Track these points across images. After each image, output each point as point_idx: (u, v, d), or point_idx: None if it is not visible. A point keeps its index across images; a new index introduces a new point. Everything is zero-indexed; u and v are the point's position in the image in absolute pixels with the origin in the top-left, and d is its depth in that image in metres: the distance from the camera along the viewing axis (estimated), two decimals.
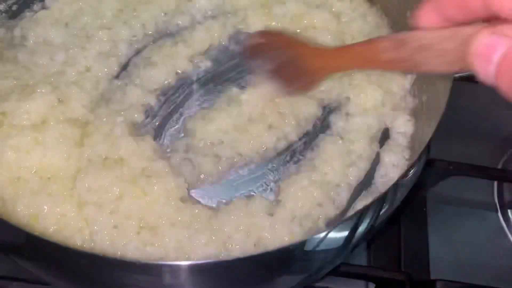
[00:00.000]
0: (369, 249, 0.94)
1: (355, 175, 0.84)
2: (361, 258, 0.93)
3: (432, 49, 0.57)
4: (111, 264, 0.58)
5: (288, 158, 0.88)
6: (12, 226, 0.60)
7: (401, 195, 0.75)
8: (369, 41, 0.69)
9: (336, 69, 0.80)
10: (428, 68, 0.59)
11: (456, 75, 0.77)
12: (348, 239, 0.68)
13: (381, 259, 0.93)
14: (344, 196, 0.82)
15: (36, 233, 0.58)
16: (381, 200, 0.70)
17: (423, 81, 0.89)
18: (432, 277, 0.91)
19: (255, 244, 0.75)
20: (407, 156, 0.87)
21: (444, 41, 0.55)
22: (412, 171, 0.73)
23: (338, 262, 0.78)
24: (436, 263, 0.93)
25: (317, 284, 0.90)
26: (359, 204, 0.83)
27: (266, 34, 0.88)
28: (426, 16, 0.56)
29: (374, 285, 0.90)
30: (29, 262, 0.69)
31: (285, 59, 0.80)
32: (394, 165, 0.86)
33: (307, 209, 0.78)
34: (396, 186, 0.71)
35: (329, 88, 0.92)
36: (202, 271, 0.60)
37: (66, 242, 0.71)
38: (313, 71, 0.79)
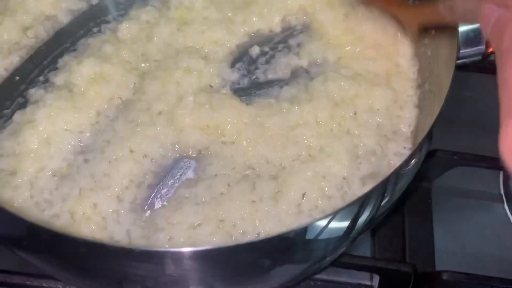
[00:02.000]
0: (373, 240, 0.94)
1: (364, 168, 0.81)
2: (365, 250, 0.93)
3: None
4: (112, 252, 0.58)
5: None
6: (12, 215, 0.61)
7: (402, 185, 0.74)
8: None
9: None
10: None
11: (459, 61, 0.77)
12: (349, 228, 0.68)
13: (386, 251, 0.93)
14: (353, 188, 0.80)
15: (37, 222, 0.58)
16: (382, 189, 0.69)
17: (427, 70, 0.89)
18: (437, 268, 0.91)
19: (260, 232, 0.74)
20: (410, 146, 0.86)
21: None
22: (413, 160, 0.73)
23: (340, 252, 0.78)
24: (441, 254, 0.93)
25: (324, 277, 0.90)
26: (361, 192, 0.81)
27: None
28: None
29: (378, 276, 0.90)
30: (30, 254, 0.70)
31: None
32: (398, 155, 0.85)
33: (313, 200, 0.78)
34: (397, 175, 0.70)
35: None
36: (202, 258, 0.60)
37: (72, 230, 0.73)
38: None
